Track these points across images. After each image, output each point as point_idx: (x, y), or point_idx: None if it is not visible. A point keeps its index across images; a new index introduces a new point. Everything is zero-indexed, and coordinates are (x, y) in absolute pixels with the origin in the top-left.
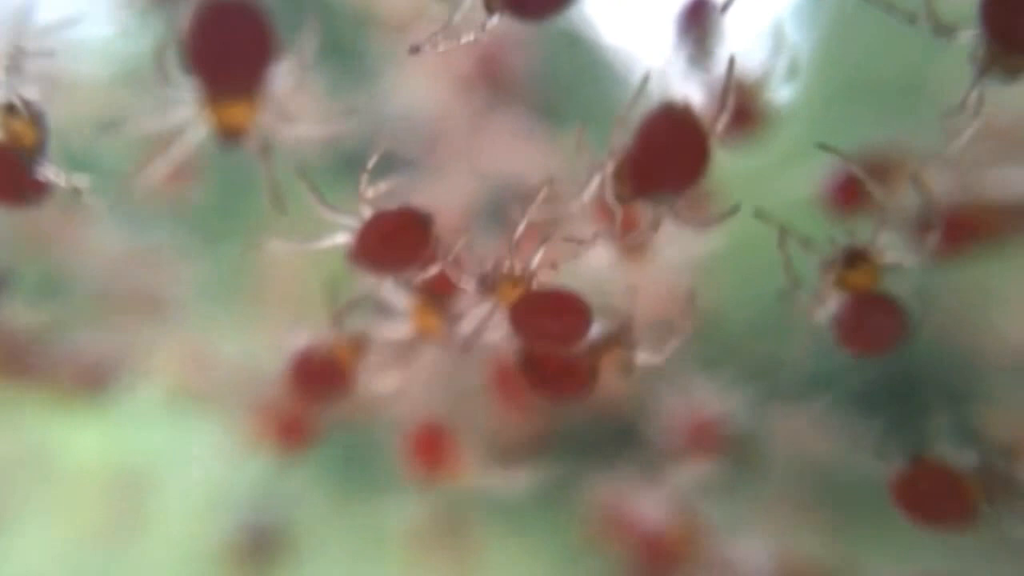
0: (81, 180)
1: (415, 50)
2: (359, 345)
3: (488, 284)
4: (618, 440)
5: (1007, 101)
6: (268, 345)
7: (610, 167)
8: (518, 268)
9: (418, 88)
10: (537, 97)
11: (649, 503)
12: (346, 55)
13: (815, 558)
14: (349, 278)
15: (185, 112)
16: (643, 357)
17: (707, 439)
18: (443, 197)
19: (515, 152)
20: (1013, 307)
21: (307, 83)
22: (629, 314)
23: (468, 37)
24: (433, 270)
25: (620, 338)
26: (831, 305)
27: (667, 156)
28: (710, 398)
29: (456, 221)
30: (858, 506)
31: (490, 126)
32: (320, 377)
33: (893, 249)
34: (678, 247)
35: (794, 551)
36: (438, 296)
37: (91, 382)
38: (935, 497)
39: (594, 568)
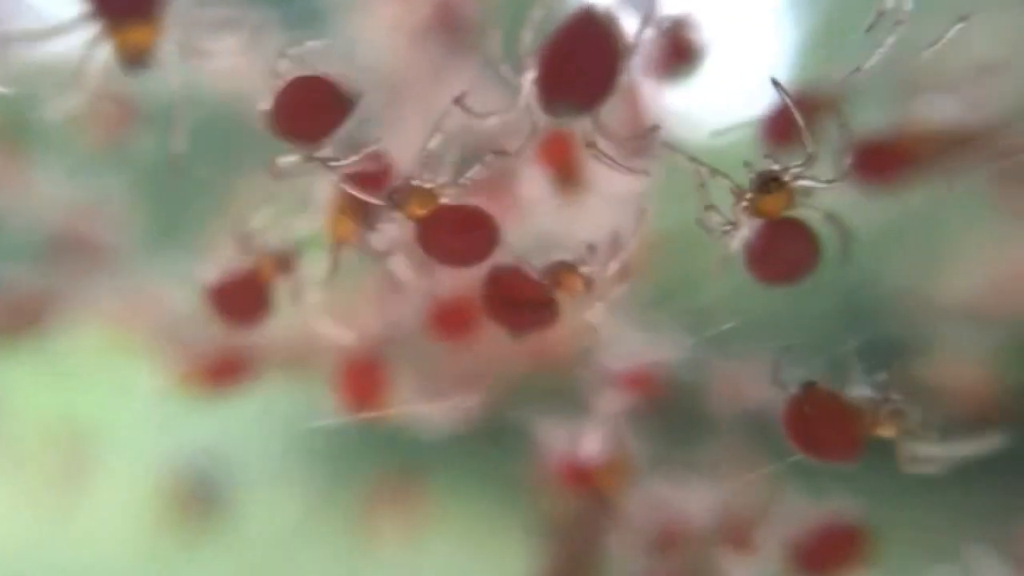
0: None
1: None
2: (282, 261)
3: (397, 197)
4: (556, 388)
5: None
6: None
7: (530, 75)
8: (430, 184)
9: (374, 36)
10: (495, 44)
11: (583, 439)
12: (297, 2)
13: (755, 501)
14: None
15: (83, 34)
16: (602, 287)
17: (644, 385)
18: (400, 146)
19: (475, 98)
20: (962, 263)
21: (256, 28)
22: (593, 244)
23: None
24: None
25: (579, 265)
26: (744, 231)
27: (575, 61)
28: (648, 344)
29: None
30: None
31: (448, 74)
32: (240, 298)
33: (810, 176)
34: (614, 183)
35: (734, 494)
36: (357, 203)
37: (23, 320)
38: (820, 425)
39: (533, 510)
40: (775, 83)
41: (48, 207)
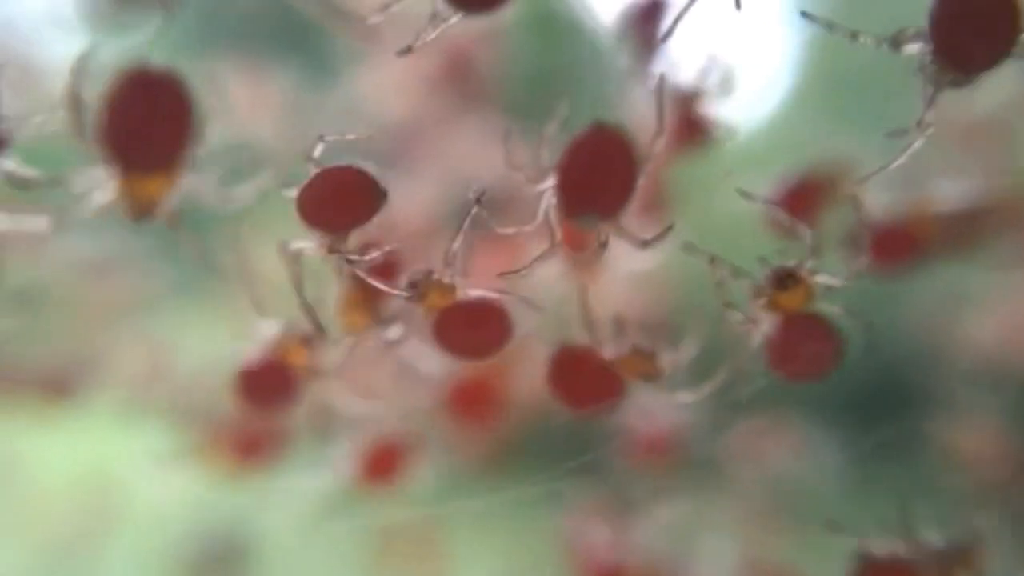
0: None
1: (406, 51)
2: (308, 344)
3: (417, 289)
4: (578, 456)
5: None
6: (231, 351)
7: (552, 183)
8: (450, 277)
9: (386, 88)
10: (508, 97)
11: (611, 535)
12: (312, 54)
13: (777, 565)
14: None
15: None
16: (668, 365)
17: (664, 451)
18: (411, 199)
19: (485, 154)
20: (977, 314)
21: (272, 82)
22: (655, 324)
23: (440, 31)
24: (374, 255)
25: (652, 352)
26: (764, 327)
27: (593, 177)
28: (666, 410)
29: (423, 223)
30: (816, 512)
31: (460, 127)
32: (267, 382)
33: (825, 270)
34: (628, 260)
35: (757, 559)
36: (370, 294)
37: (57, 390)
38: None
39: None
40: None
41: (67, 270)
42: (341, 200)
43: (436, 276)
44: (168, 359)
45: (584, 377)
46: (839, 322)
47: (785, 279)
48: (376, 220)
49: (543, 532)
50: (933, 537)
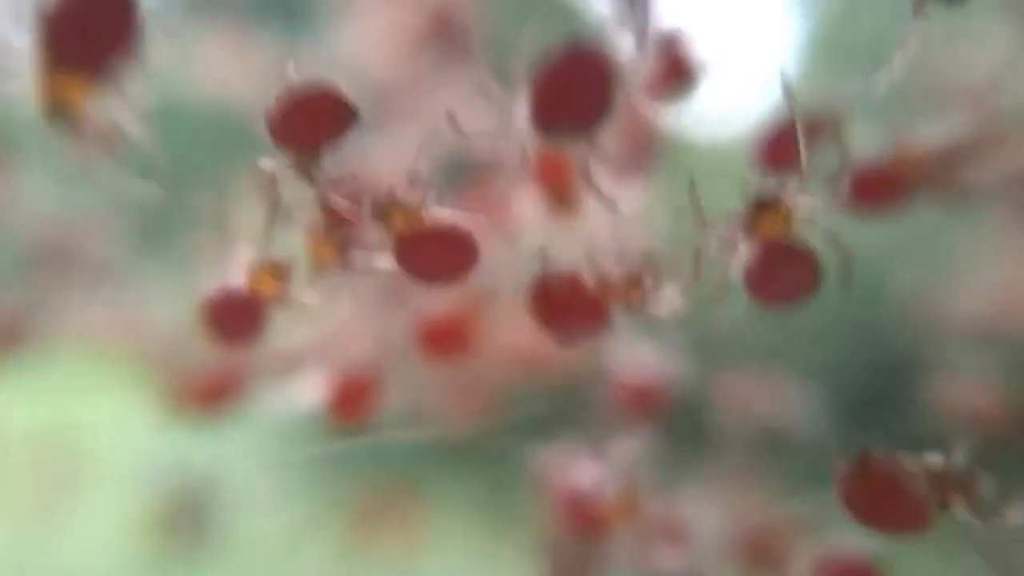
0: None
1: None
2: (277, 273)
3: (380, 210)
4: (560, 405)
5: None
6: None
7: (523, 101)
8: (414, 198)
9: (367, 44)
10: (491, 53)
11: (588, 470)
12: (293, 7)
13: (767, 521)
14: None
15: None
16: (659, 297)
17: (650, 403)
18: (393, 156)
19: (468, 110)
20: (969, 275)
21: (252, 35)
22: (648, 253)
23: None
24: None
25: (636, 279)
26: (742, 254)
27: (568, 91)
28: (653, 362)
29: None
30: (807, 470)
31: (442, 83)
32: (235, 313)
33: (807, 199)
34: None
35: (745, 514)
36: (337, 222)
37: (8, 336)
38: (882, 499)
39: (531, 533)
40: (786, 92)
41: (33, 220)
42: (311, 115)
43: (400, 197)
44: (132, 309)
45: (566, 303)
46: (818, 253)
47: (763, 202)
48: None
49: (519, 474)
50: (933, 457)
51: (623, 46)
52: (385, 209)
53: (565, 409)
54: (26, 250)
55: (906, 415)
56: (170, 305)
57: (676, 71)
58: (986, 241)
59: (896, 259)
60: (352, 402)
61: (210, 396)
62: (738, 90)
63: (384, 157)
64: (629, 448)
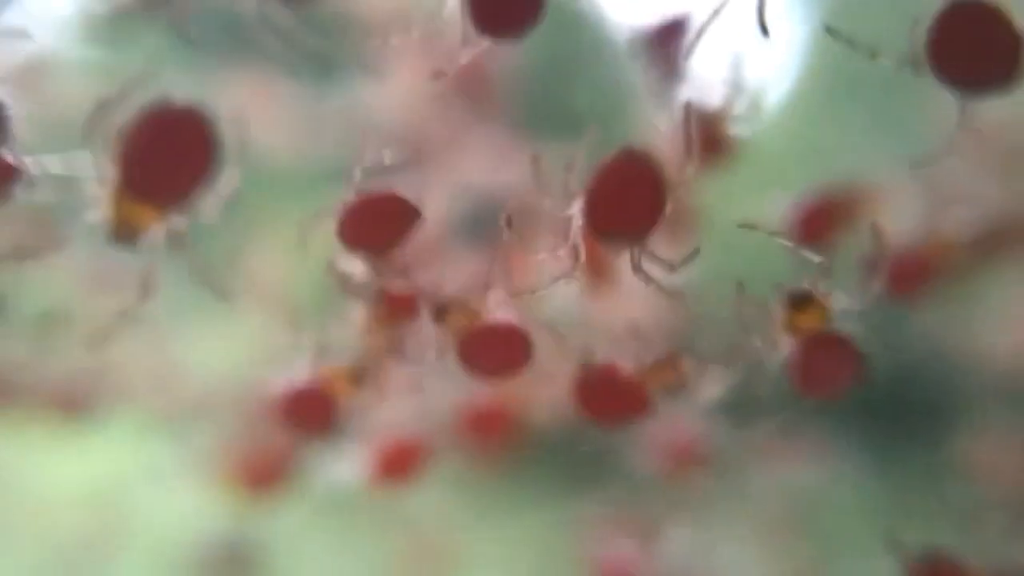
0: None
1: (439, 75)
2: (358, 378)
3: (441, 312)
4: (599, 465)
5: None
6: (247, 363)
7: (579, 205)
8: (474, 300)
9: (397, 99)
10: (520, 108)
11: (631, 546)
12: (324, 63)
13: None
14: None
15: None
16: (695, 380)
17: (688, 460)
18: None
19: (497, 165)
20: (999, 327)
21: (283, 94)
22: (680, 338)
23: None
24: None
25: (673, 362)
26: (783, 349)
27: (623, 202)
28: (689, 420)
29: (434, 236)
30: (838, 526)
31: (471, 138)
32: (311, 411)
33: (842, 290)
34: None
35: (779, 569)
36: (393, 314)
37: (71, 406)
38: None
39: None
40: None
41: (76, 279)
42: (381, 222)
43: (460, 300)
44: (180, 373)
45: (609, 392)
46: (858, 341)
47: (799, 300)
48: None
49: (562, 543)
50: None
51: (661, 119)
52: (446, 310)
53: (605, 470)
54: (73, 315)
55: (938, 472)
56: (218, 368)
57: (712, 147)
58: (1014, 294)
59: (925, 312)
60: (399, 468)
61: (265, 478)
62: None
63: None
64: (674, 528)
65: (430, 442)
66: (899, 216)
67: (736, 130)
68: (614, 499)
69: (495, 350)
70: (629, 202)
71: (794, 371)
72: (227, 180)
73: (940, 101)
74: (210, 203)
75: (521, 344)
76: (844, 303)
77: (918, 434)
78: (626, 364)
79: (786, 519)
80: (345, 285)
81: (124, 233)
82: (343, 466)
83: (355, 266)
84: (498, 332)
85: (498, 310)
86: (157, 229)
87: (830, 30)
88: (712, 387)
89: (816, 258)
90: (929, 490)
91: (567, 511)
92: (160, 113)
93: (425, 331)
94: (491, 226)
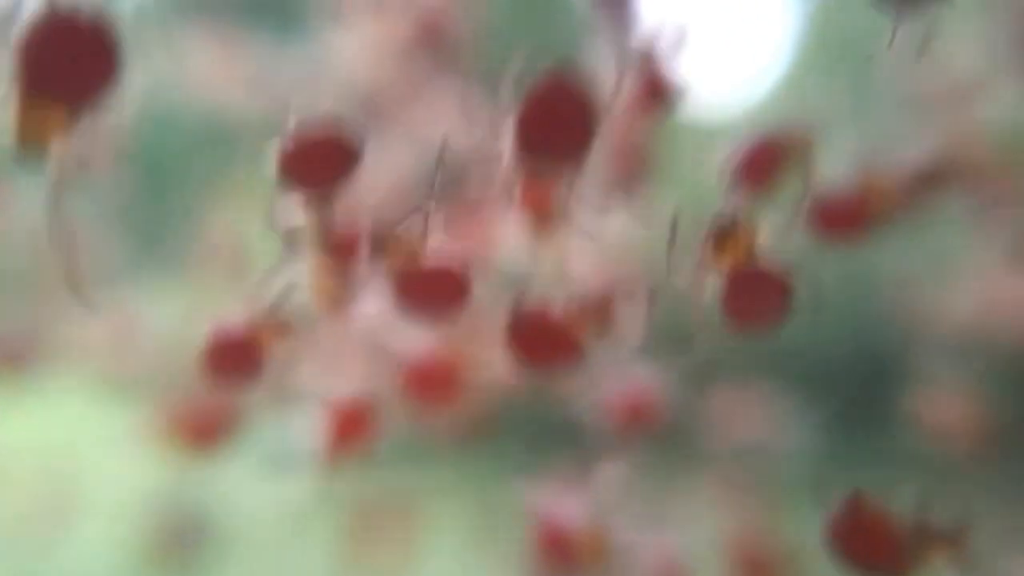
0: None
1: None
2: (283, 330)
3: (378, 248)
4: (551, 426)
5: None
6: (197, 323)
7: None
8: (413, 239)
9: (355, 53)
10: (482, 62)
11: (566, 504)
12: (282, 15)
13: (759, 537)
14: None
15: None
16: (625, 323)
17: (642, 421)
18: (382, 166)
19: (458, 120)
20: (952, 286)
21: (238, 42)
22: (611, 283)
23: None
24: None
25: (604, 305)
26: (711, 284)
27: (551, 122)
28: (638, 377)
29: (394, 190)
30: (793, 483)
31: (431, 92)
32: (235, 360)
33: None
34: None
35: (732, 525)
36: (339, 260)
37: (13, 363)
38: (869, 543)
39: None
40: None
41: (28, 238)
42: (320, 159)
43: (399, 236)
44: (129, 330)
45: (539, 336)
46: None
47: (721, 234)
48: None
49: (510, 501)
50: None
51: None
52: (383, 243)
53: (557, 430)
54: (21, 268)
55: (889, 427)
56: (169, 326)
57: (656, 92)
58: (969, 252)
59: (880, 270)
60: (350, 436)
61: (206, 432)
62: (734, 74)
63: (372, 168)
64: (609, 479)
65: (380, 405)
66: (836, 159)
67: (677, 77)
68: (563, 456)
69: (432, 291)
70: (558, 122)
71: (720, 306)
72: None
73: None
74: (115, 106)
75: (458, 286)
76: (771, 239)
77: (868, 391)
78: (556, 307)
79: (738, 475)
80: (285, 232)
81: (30, 143)
82: (296, 431)
83: (297, 213)
84: (436, 273)
85: (438, 253)
86: (63, 144)
87: None
88: (639, 327)
89: (745, 197)
90: (878, 444)
91: (512, 467)
92: (57, 18)
93: (363, 270)
94: (455, 185)
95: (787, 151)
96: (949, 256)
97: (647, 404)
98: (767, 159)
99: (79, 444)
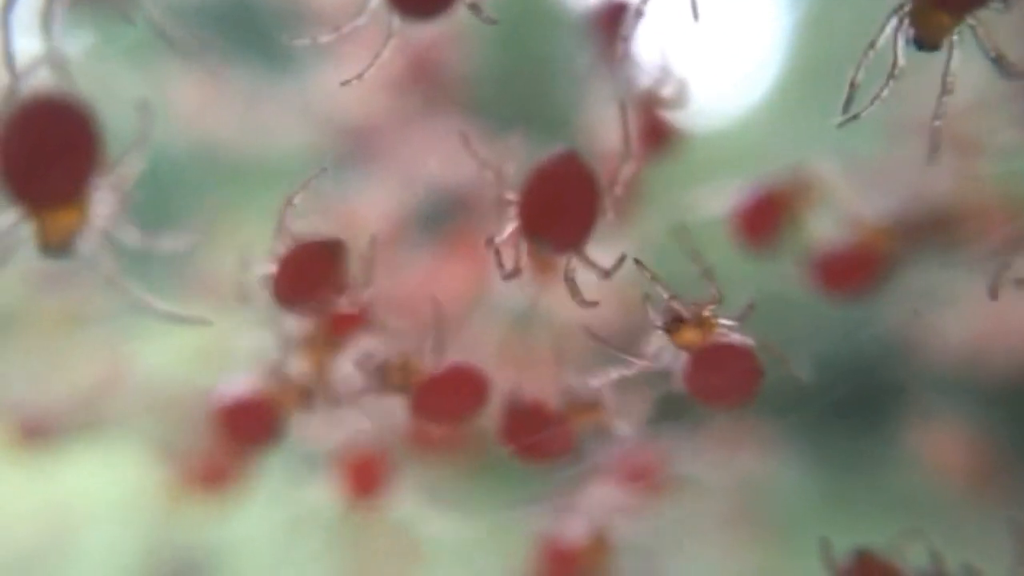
0: None
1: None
2: (304, 395)
3: (379, 377)
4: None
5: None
6: (196, 365)
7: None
8: (410, 360)
9: (350, 88)
10: (475, 97)
11: (567, 524)
12: (270, 52)
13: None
14: None
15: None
16: (620, 421)
17: (646, 477)
18: (374, 205)
19: (451, 157)
20: (950, 319)
21: (228, 82)
22: (605, 381)
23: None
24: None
25: (598, 402)
26: (677, 363)
27: (555, 207)
28: (640, 433)
29: (388, 230)
30: (790, 520)
31: (424, 129)
32: (254, 424)
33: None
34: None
35: (731, 563)
36: (332, 339)
37: (35, 434)
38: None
39: None
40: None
41: (20, 280)
42: (312, 273)
43: (402, 361)
44: (127, 373)
45: (533, 432)
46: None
47: (671, 323)
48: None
49: (512, 522)
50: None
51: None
52: (383, 374)
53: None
54: (17, 316)
55: (888, 463)
56: (167, 369)
57: (655, 133)
58: (967, 284)
59: (877, 303)
60: (367, 486)
61: (214, 480)
62: (727, 81)
63: (364, 201)
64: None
65: (392, 454)
66: (836, 207)
67: (675, 117)
68: (569, 481)
69: (448, 396)
70: (562, 208)
71: (686, 385)
72: (130, 166)
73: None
74: (112, 191)
75: (477, 384)
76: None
77: (868, 426)
78: (551, 401)
79: (737, 512)
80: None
81: (57, 241)
82: (313, 488)
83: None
84: (450, 375)
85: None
86: (86, 230)
87: None
88: (637, 411)
89: (697, 268)
90: (877, 481)
91: (520, 493)
92: (31, 109)
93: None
94: (447, 221)
95: (790, 200)
96: (947, 289)
97: (650, 468)
98: (769, 210)
99: (76, 491)
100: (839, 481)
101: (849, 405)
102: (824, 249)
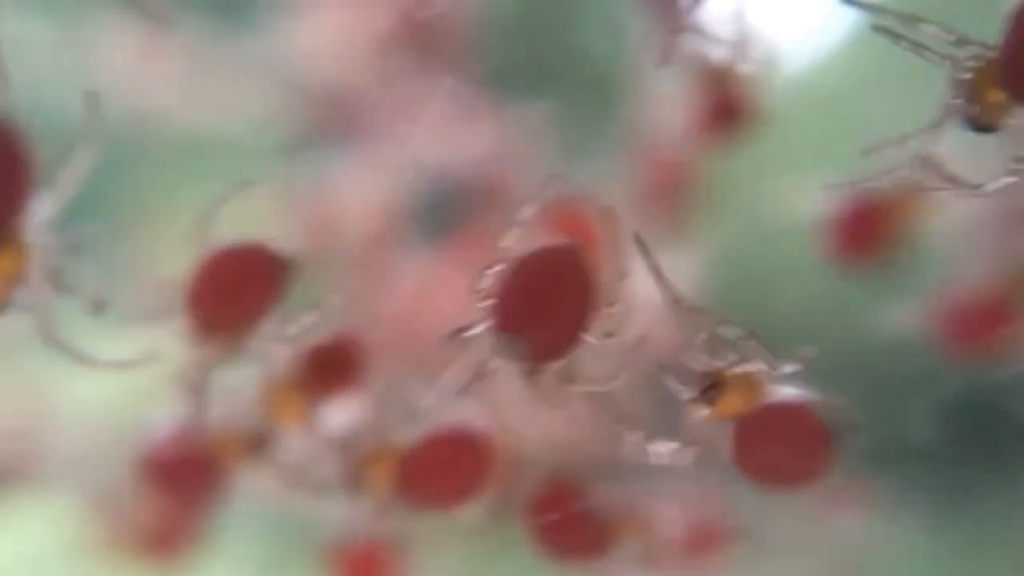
0: None
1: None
2: (255, 449)
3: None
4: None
5: None
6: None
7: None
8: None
9: (322, 46)
10: (484, 53)
11: None
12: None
13: None
14: None
15: None
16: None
17: (709, 539)
18: (360, 191)
19: (453, 132)
20: None
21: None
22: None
23: None
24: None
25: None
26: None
27: (539, 305)
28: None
29: (375, 220)
30: None
31: (419, 96)
32: (192, 475)
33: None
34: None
35: None
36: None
37: None
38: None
39: None
40: None
41: None
42: (238, 288)
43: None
44: (55, 411)
45: (567, 526)
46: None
47: (708, 392)
48: None
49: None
50: None
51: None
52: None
53: None
54: None
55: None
56: (93, 408)
57: (726, 111)
58: None
59: None
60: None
61: (161, 540)
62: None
63: (350, 180)
64: None
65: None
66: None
67: (752, 92)
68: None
69: (448, 467)
70: (545, 311)
71: (736, 462)
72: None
73: None
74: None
75: (480, 453)
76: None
77: (987, 482)
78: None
79: None
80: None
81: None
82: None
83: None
84: (451, 446)
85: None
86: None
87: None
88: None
89: (731, 330)
90: (999, 545)
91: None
92: None
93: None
94: (449, 216)
95: (892, 212)
96: None
97: (714, 530)
98: (867, 222)
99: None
100: (966, 542)
101: (975, 454)
102: (953, 296)
